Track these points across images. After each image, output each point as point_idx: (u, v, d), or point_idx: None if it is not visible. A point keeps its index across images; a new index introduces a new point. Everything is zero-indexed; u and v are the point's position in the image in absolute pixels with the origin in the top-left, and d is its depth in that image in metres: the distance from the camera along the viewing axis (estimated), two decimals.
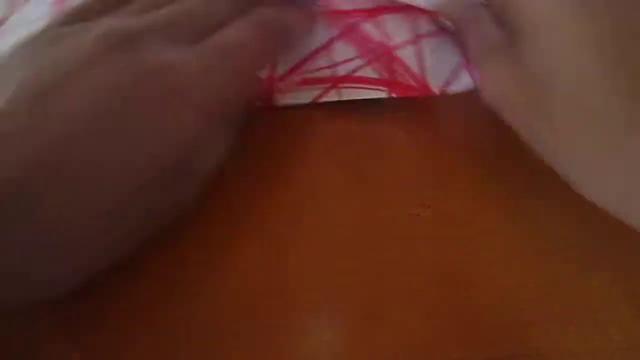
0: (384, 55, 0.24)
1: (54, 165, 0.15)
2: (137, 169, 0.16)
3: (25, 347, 0.17)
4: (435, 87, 0.23)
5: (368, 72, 0.24)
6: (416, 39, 0.24)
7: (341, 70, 0.24)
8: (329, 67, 0.24)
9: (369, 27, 0.25)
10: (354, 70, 0.24)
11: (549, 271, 0.18)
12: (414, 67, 0.24)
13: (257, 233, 0.19)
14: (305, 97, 0.23)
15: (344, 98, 0.23)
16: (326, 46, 0.25)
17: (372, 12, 0.25)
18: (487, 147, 0.22)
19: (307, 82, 0.24)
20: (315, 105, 0.24)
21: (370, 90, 0.23)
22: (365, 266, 0.18)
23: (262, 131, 0.23)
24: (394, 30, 0.24)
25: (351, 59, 0.24)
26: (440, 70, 0.24)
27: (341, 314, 0.17)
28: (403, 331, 0.17)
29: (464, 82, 0.23)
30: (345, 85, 0.24)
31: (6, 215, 0.14)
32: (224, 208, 0.20)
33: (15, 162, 0.15)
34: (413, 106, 0.24)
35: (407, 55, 0.24)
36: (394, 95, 0.23)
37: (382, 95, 0.23)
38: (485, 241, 0.19)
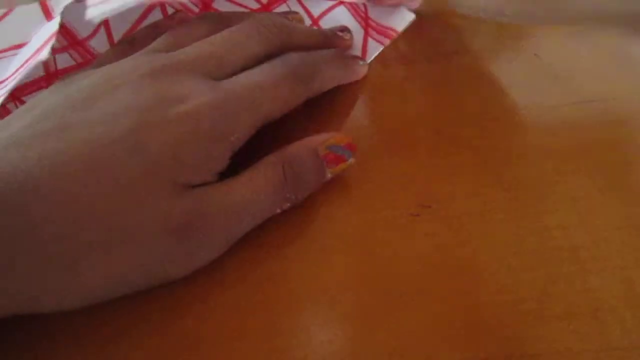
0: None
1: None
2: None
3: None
4: None
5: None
6: (315, 22, 0.27)
7: None
8: None
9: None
10: None
11: (549, 271, 0.18)
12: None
13: (257, 233, 0.19)
14: None
15: None
16: None
17: None
18: (487, 147, 0.22)
19: None
20: (313, 106, 0.24)
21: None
22: (365, 266, 0.18)
23: (261, 131, 0.23)
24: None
25: None
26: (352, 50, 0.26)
27: (341, 314, 0.17)
28: (403, 331, 0.17)
29: (374, 51, 0.26)
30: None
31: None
32: None
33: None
34: (412, 105, 0.24)
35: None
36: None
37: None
38: (485, 241, 0.19)
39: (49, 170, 0.15)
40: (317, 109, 0.24)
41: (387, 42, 0.26)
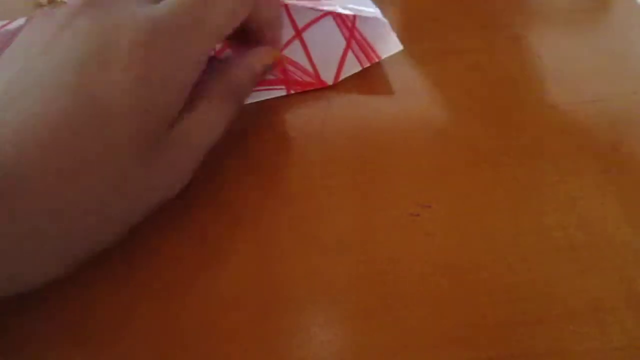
0: None
1: None
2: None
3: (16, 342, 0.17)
4: (328, 79, 0.25)
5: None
6: (298, 33, 0.26)
7: None
8: None
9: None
10: None
11: (549, 271, 0.18)
12: (304, 62, 0.26)
13: (257, 233, 0.19)
14: None
15: (247, 102, 0.24)
16: (218, 53, 0.25)
17: None
18: (488, 147, 0.22)
19: None
20: (313, 107, 0.24)
21: (270, 91, 0.25)
22: (365, 266, 0.18)
23: (262, 131, 0.23)
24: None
25: None
26: (328, 60, 0.26)
27: (341, 314, 0.17)
28: (403, 331, 0.17)
29: (351, 68, 0.25)
30: None
31: None
32: (223, 207, 0.20)
33: None
34: (412, 106, 0.24)
35: (294, 52, 0.26)
36: (292, 92, 0.25)
37: (282, 93, 0.25)
38: (485, 241, 0.19)
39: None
40: (317, 109, 0.24)
41: (366, 64, 0.25)
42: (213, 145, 0.20)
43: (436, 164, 0.21)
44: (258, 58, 0.22)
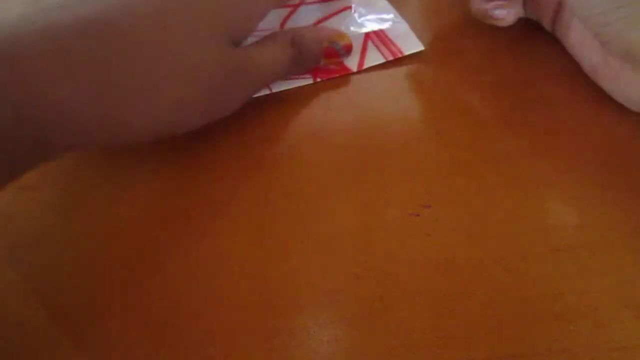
0: None
1: None
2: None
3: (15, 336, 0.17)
4: (352, 65, 0.26)
5: None
6: (321, 20, 0.27)
7: None
8: None
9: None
10: None
11: (549, 271, 0.18)
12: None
13: (257, 233, 0.19)
14: None
15: (274, 90, 0.25)
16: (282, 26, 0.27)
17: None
18: (488, 147, 0.22)
19: None
20: (313, 107, 0.24)
21: (296, 80, 0.25)
22: (365, 266, 0.18)
23: (262, 131, 0.23)
24: (301, 18, 0.28)
25: None
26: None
27: (341, 314, 0.17)
28: (403, 331, 0.17)
29: (374, 57, 0.26)
30: None
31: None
32: (223, 207, 0.20)
33: None
34: (412, 105, 0.24)
35: None
36: (318, 79, 0.26)
37: (309, 81, 0.25)
38: (485, 241, 0.19)
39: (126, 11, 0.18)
40: (317, 109, 0.24)
41: (390, 57, 0.26)
42: (271, 82, 0.23)
43: (436, 164, 0.21)
44: (328, 35, 0.25)
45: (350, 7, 0.28)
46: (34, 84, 0.16)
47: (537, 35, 0.27)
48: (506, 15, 0.25)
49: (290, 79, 0.25)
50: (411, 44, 0.26)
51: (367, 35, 0.27)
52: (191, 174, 0.21)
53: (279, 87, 0.25)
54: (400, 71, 0.26)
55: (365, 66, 0.26)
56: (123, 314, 0.18)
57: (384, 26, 0.27)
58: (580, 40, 0.23)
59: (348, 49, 0.25)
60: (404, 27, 0.27)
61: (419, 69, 0.26)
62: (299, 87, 0.25)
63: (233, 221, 0.20)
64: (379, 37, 0.27)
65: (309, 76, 0.26)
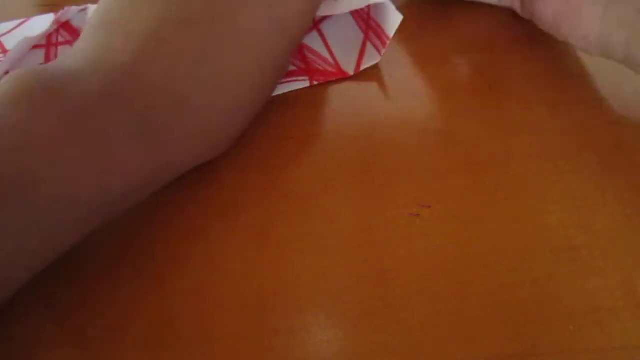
0: None
1: None
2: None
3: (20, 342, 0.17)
4: (349, 69, 0.25)
5: None
6: (316, 24, 0.26)
7: None
8: None
9: None
10: None
11: (549, 271, 0.18)
12: (324, 52, 0.26)
13: (257, 233, 0.19)
14: None
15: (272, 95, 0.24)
16: None
17: None
18: (488, 147, 0.22)
19: None
20: (313, 107, 0.24)
21: (293, 82, 0.25)
22: (365, 266, 0.18)
23: (261, 131, 0.23)
24: None
25: None
26: (347, 50, 0.26)
27: (341, 314, 0.17)
28: (403, 331, 0.17)
29: (372, 58, 0.25)
30: None
31: None
32: (223, 207, 0.20)
33: None
34: (412, 105, 0.24)
35: (312, 41, 0.26)
36: (315, 82, 0.25)
37: (305, 84, 0.25)
38: (485, 241, 0.19)
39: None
40: (317, 109, 0.24)
41: (383, 51, 0.25)
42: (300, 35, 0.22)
43: (436, 164, 0.21)
44: None
45: None
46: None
47: (535, 38, 0.27)
48: None
49: (286, 82, 0.25)
50: (393, 20, 0.24)
51: (366, 35, 0.26)
52: (191, 174, 0.21)
53: (275, 91, 0.24)
54: (400, 71, 0.26)
55: (363, 67, 0.25)
56: (123, 314, 0.18)
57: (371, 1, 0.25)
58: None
59: None
60: (387, 4, 0.24)
61: (419, 68, 0.26)
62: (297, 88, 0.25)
63: (233, 221, 0.20)
64: (375, 33, 0.25)
65: (305, 78, 0.25)
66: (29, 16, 0.28)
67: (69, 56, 0.18)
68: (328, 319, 0.17)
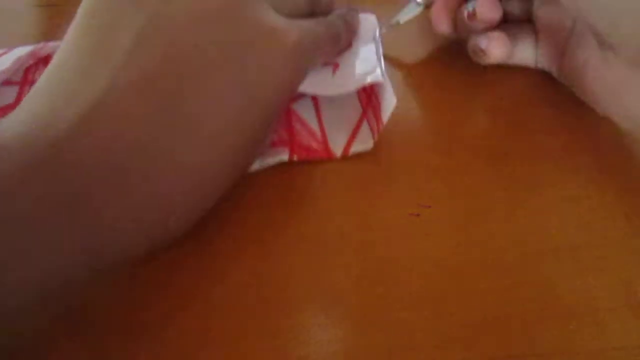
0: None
1: None
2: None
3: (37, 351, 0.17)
4: (336, 149, 0.22)
5: None
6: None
7: None
8: None
9: None
10: None
11: (549, 271, 0.18)
12: (313, 124, 0.22)
13: (258, 233, 0.19)
14: None
15: (252, 169, 0.21)
16: None
17: None
18: (488, 147, 0.22)
19: None
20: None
21: (271, 158, 0.21)
22: (365, 266, 0.18)
23: None
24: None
25: None
26: (340, 126, 0.22)
27: (341, 314, 0.17)
28: (403, 331, 0.17)
29: (364, 142, 0.22)
30: None
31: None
32: (222, 207, 0.20)
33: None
34: (412, 106, 0.24)
35: (303, 108, 0.23)
36: (295, 157, 0.21)
37: (284, 158, 0.21)
38: (485, 241, 0.19)
39: None
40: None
41: (377, 137, 0.22)
42: (311, 53, 0.20)
43: (436, 164, 0.21)
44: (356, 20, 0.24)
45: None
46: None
47: None
48: (488, 46, 0.23)
49: (265, 156, 0.21)
50: (389, 103, 0.21)
51: (364, 112, 0.23)
52: None
53: (254, 165, 0.21)
54: (400, 71, 0.26)
55: (352, 151, 0.22)
56: (123, 315, 0.18)
57: (376, 79, 0.21)
58: (584, 59, 0.22)
59: None
60: (387, 84, 0.21)
61: (419, 68, 0.26)
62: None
63: (233, 221, 0.20)
64: (374, 112, 0.22)
65: (285, 149, 0.22)
66: (15, 44, 0.24)
67: (4, 122, 0.15)
68: (328, 319, 0.17)
